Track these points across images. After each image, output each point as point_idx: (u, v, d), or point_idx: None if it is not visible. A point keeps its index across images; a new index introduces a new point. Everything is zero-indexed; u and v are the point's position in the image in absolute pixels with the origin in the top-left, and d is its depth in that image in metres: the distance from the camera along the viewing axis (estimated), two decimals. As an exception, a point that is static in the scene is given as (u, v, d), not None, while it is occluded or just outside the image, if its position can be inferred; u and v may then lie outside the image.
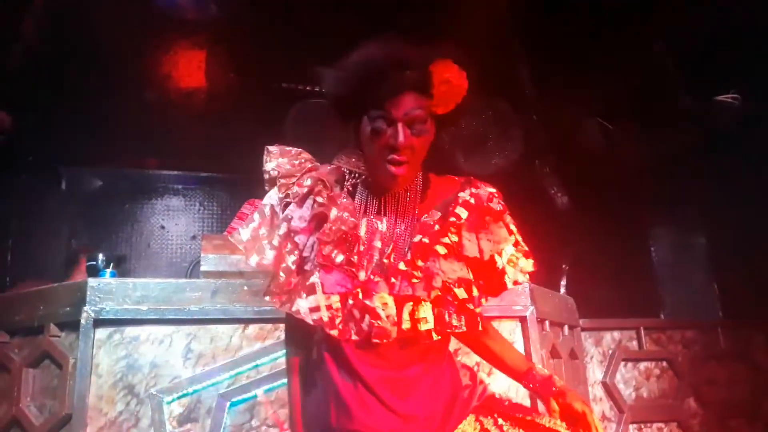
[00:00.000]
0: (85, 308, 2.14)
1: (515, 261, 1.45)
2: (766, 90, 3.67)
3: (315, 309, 1.35)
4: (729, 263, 4.08)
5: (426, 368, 1.40)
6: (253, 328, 2.28)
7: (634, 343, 3.35)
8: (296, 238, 1.41)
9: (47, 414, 2.15)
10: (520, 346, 2.46)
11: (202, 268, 2.53)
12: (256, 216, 1.44)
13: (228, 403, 2.19)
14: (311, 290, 1.36)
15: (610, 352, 3.27)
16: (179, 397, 2.17)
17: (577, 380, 2.95)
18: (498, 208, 1.47)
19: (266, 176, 1.46)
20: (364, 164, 1.45)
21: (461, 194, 1.46)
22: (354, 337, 1.34)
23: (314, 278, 1.36)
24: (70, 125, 4.18)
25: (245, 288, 2.29)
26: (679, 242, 4.31)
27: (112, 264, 2.68)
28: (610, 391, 3.19)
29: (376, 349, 1.35)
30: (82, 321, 2.13)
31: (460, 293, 1.37)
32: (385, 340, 1.32)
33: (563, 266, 4.36)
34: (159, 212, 4.79)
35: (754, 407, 3.53)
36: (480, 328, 1.41)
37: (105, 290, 2.19)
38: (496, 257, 1.43)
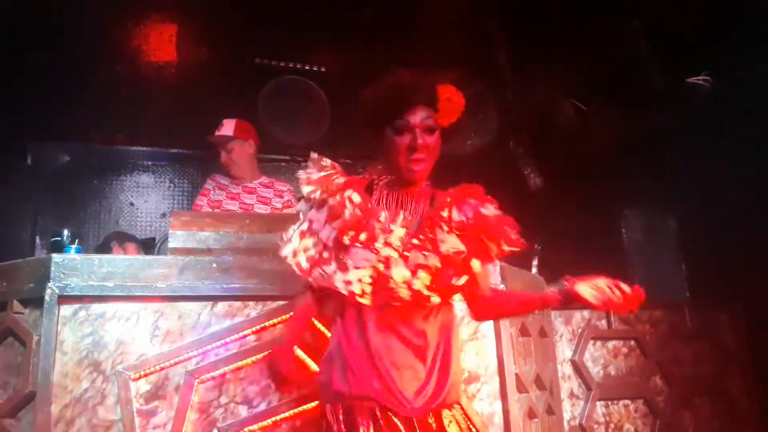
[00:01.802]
0: (49, 284, 2.10)
1: (500, 237, 1.77)
2: (737, 72, 3.71)
3: (348, 282, 1.67)
4: (697, 245, 4.13)
5: (433, 338, 1.72)
6: (221, 306, 2.25)
7: (603, 322, 3.40)
8: (319, 234, 1.75)
9: (11, 392, 2.11)
10: (489, 325, 2.47)
11: (170, 245, 2.49)
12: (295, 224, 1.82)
13: (196, 381, 2.17)
14: (344, 268, 1.68)
15: (580, 330, 3.31)
16: (146, 375, 2.14)
17: (547, 358, 2.98)
18: (484, 197, 1.81)
19: (300, 186, 1.80)
20: (388, 168, 1.80)
21: (455, 193, 1.81)
22: (381, 303, 1.66)
23: (345, 258, 1.68)
24: (37, 99, 4.09)
25: (214, 265, 2.27)
26: (649, 223, 4.34)
27: (77, 240, 2.62)
28: (578, 368, 3.24)
29: (397, 314, 1.69)
30: (46, 297, 2.09)
31: (459, 261, 1.72)
32: (401, 303, 1.66)
33: (535, 246, 4.40)
34: (128, 189, 4.70)
35: (717, 386, 3.62)
36: (481, 291, 1.85)
37: (70, 266, 2.15)
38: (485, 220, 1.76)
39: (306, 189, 1.78)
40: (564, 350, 3.25)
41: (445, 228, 1.73)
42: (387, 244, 1.69)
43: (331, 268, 1.71)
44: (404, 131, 1.71)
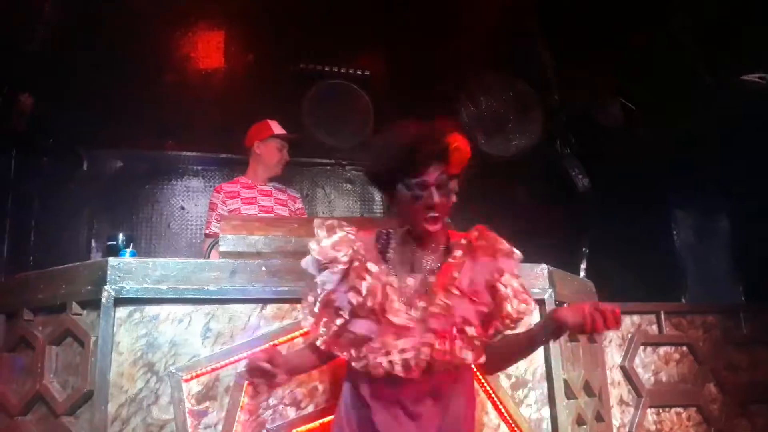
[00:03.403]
0: (106, 287, 2.16)
1: (516, 290, 1.76)
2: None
3: (359, 355, 1.71)
4: (752, 247, 4.00)
5: (438, 403, 1.72)
6: (271, 308, 2.29)
7: (654, 327, 3.33)
8: (337, 305, 1.76)
9: (70, 390, 2.18)
10: (537, 329, 2.44)
11: (221, 249, 2.54)
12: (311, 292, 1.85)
13: (246, 382, 2.20)
14: (361, 341, 1.71)
15: (630, 336, 3.24)
16: (198, 376, 2.19)
17: (596, 364, 2.93)
18: (505, 248, 1.81)
19: (313, 254, 1.82)
20: (403, 223, 1.81)
21: (466, 241, 1.80)
22: (387, 375, 1.67)
23: (361, 329, 1.71)
24: (90, 107, 4.21)
25: (263, 268, 2.30)
26: (701, 225, 4.24)
27: (131, 243, 2.70)
28: (628, 375, 3.17)
29: (400, 384, 1.69)
30: (103, 300, 2.15)
31: (471, 330, 1.71)
32: (411, 375, 1.67)
33: (583, 249, 4.32)
34: (179, 193, 4.82)
35: (776, 393, 3.49)
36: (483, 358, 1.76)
37: (125, 270, 2.21)
38: (500, 286, 1.74)
39: (321, 258, 1.80)
40: (613, 356, 3.19)
41: (456, 292, 1.73)
42: (398, 311, 1.71)
43: (347, 338, 1.74)
44: (420, 190, 1.70)
